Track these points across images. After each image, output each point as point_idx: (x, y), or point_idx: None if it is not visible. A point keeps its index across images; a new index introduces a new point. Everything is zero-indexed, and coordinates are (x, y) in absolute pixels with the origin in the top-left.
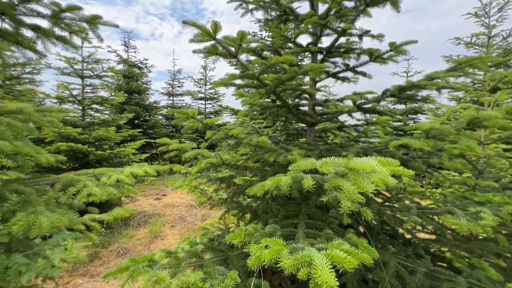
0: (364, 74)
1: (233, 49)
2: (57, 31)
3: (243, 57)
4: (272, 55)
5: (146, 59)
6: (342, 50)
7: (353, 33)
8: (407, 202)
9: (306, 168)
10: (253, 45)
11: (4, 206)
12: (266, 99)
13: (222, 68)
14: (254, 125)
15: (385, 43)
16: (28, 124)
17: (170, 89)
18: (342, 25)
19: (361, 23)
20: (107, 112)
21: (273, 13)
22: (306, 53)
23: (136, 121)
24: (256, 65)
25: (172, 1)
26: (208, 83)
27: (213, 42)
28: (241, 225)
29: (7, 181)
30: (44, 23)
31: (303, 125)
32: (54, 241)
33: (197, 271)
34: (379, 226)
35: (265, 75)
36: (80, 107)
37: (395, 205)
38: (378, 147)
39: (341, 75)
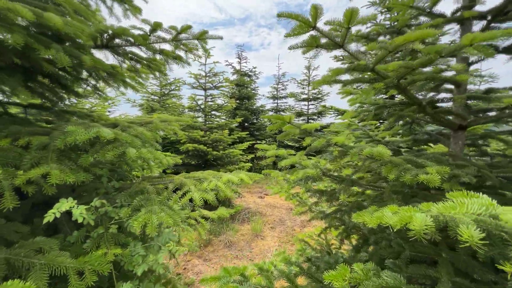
0: None
1: (339, 35)
2: (176, 51)
3: (352, 46)
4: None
5: (255, 67)
6: None
7: None
8: None
9: (473, 213)
10: (365, 30)
11: (136, 199)
12: (381, 96)
13: (326, 66)
14: (364, 127)
15: None
16: (157, 132)
17: (275, 92)
18: None
19: None
20: (223, 117)
21: None
22: (447, 28)
23: (246, 123)
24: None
25: (279, 9)
26: (311, 84)
27: (312, 32)
28: (346, 244)
29: (144, 177)
30: (166, 46)
31: (440, 126)
32: (162, 239)
33: None
34: None
35: (385, 62)
36: (203, 114)
37: None
38: None
39: None
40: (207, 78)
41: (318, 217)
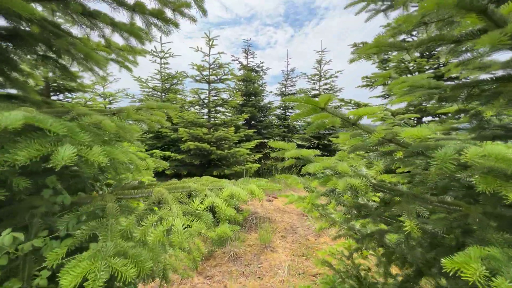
0: None
1: None
2: (155, 5)
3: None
4: None
5: (262, 62)
6: None
7: None
8: None
9: None
10: None
11: (83, 228)
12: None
13: (337, 64)
14: (401, 121)
15: None
16: (138, 124)
17: (283, 89)
18: None
19: None
20: (229, 114)
21: None
22: None
23: (253, 121)
24: None
25: (286, 8)
26: (323, 78)
27: None
28: (369, 260)
29: (116, 187)
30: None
31: None
32: None
33: None
34: None
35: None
36: (207, 110)
37: None
38: None
39: None
40: (211, 70)
41: (348, 236)
